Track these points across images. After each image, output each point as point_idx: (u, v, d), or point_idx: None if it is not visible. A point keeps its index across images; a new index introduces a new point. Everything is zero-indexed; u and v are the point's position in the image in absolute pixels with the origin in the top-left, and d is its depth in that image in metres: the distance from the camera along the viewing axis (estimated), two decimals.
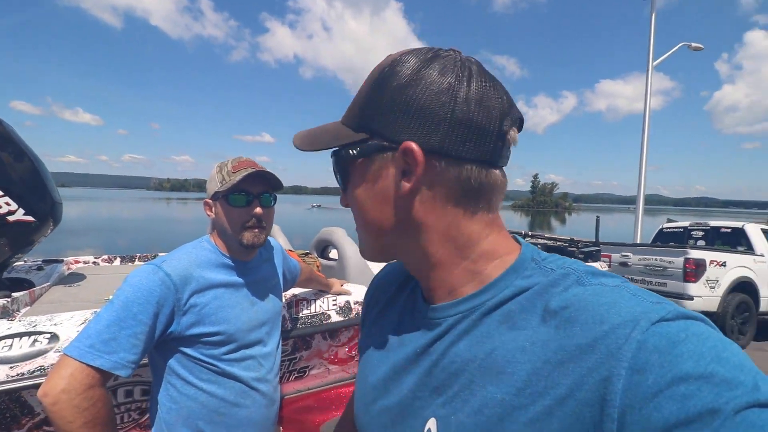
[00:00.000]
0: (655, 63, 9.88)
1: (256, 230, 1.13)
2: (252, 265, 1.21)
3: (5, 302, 1.61)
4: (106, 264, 2.86)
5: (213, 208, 1.15)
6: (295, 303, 1.69)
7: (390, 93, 0.41)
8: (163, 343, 1.03)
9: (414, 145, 0.40)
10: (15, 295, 1.69)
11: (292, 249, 2.53)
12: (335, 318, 1.75)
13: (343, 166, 0.46)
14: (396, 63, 0.42)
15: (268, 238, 1.35)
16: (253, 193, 1.13)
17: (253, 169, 1.12)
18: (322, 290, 1.80)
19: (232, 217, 1.11)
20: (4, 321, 1.27)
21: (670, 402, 0.29)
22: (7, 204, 1.63)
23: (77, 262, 2.75)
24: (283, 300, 1.45)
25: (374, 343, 0.54)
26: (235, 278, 1.15)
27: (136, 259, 3.05)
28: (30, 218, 1.70)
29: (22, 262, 2.40)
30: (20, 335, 1.21)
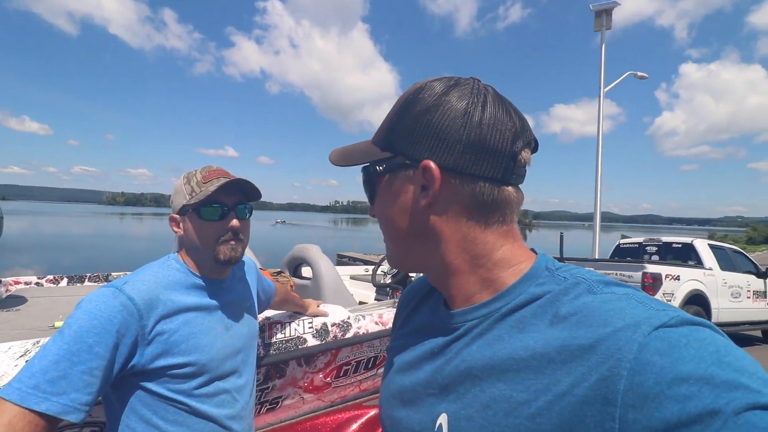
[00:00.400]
0: (605, 89, 10.58)
1: (233, 242, 1.02)
2: (226, 285, 1.09)
3: None
4: (51, 285, 2.59)
5: (181, 224, 1.04)
6: (268, 326, 1.57)
7: (413, 116, 0.46)
8: (121, 379, 0.89)
9: (432, 164, 0.44)
10: None
11: (263, 267, 2.39)
12: (311, 342, 1.64)
13: (371, 181, 0.52)
14: (420, 90, 0.47)
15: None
16: (228, 204, 1.02)
17: (226, 178, 1.02)
18: (298, 312, 1.69)
19: (205, 232, 1.00)
20: None
21: (671, 402, 0.29)
22: None
23: (17, 282, 2.47)
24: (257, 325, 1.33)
25: (401, 342, 0.57)
26: (207, 300, 1.02)
27: (86, 279, 2.79)
28: None
29: None
30: None
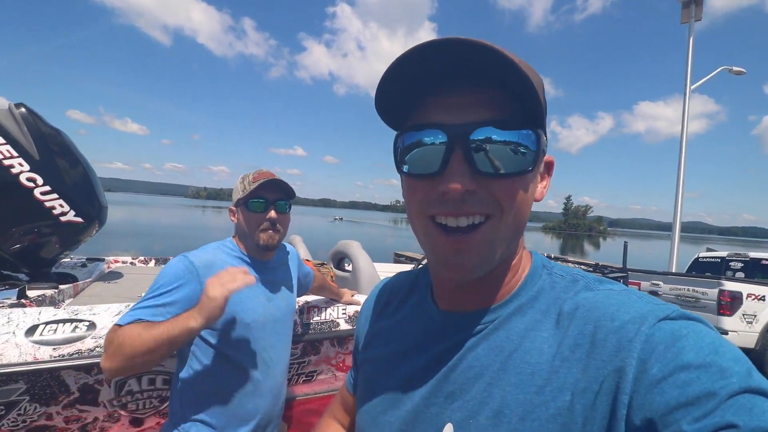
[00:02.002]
0: (693, 86, 9.59)
1: (271, 232, 1.26)
2: (270, 266, 1.34)
3: (53, 293, 1.80)
4: (142, 265, 3.08)
5: (236, 214, 1.30)
6: (307, 309, 1.80)
7: (545, 105, 0.41)
8: None
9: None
10: (62, 287, 1.89)
11: (310, 259, 2.65)
12: (344, 326, 1.84)
13: (537, 150, 0.40)
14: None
15: (286, 245, 1.49)
16: (270, 199, 1.27)
17: (270, 178, 1.27)
18: (333, 299, 1.90)
19: (250, 220, 1.25)
20: (51, 309, 1.44)
21: (672, 388, 0.31)
22: (61, 206, 1.84)
23: (117, 261, 2.98)
24: (296, 305, 1.57)
25: (379, 354, 0.53)
26: (253, 273, 1.24)
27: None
28: (79, 219, 1.91)
29: (69, 259, 2.64)
30: (63, 321, 1.38)
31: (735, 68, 10.08)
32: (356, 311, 1.90)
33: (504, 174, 0.39)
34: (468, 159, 0.38)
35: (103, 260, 2.79)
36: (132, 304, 1.50)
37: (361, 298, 2.01)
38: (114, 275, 2.52)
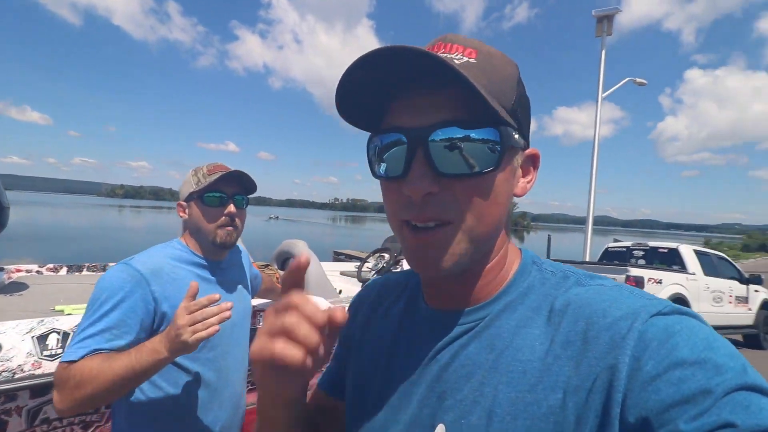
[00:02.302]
0: (603, 95, 10.71)
1: (229, 228, 1.17)
2: (222, 266, 1.24)
3: None
4: (51, 273, 2.72)
5: (187, 210, 1.19)
6: (253, 314, 1.71)
7: (523, 94, 0.42)
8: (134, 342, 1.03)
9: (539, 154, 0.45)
10: None
11: (253, 260, 2.53)
12: None
13: (500, 146, 0.39)
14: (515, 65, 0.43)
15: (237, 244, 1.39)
16: (227, 193, 1.18)
17: (227, 171, 1.19)
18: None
19: (206, 215, 1.16)
20: None
21: (667, 385, 0.31)
22: None
23: (18, 270, 2.60)
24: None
25: (371, 357, 0.52)
26: (207, 275, 1.18)
27: (85, 269, 2.92)
28: None
29: None
30: None
31: (638, 79, 11.43)
32: None
33: (466, 174, 0.38)
34: (428, 161, 0.38)
35: (1, 270, 2.42)
36: (45, 321, 1.33)
37: (313, 299, 1.95)
38: (17, 286, 2.19)
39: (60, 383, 0.87)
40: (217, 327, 0.92)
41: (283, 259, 2.64)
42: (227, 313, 0.94)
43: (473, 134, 0.38)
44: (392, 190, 0.42)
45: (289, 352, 0.34)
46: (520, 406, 0.37)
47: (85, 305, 1.83)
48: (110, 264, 3.01)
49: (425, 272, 0.43)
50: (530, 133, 0.45)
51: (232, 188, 1.19)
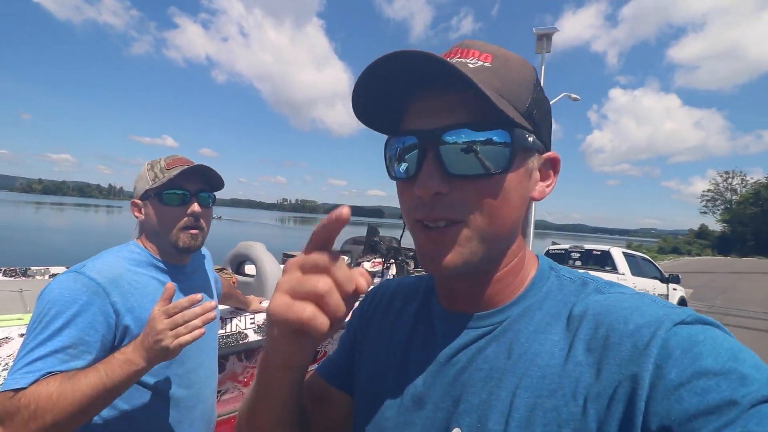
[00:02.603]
0: None
1: (194, 231, 1.04)
2: (186, 271, 1.11)
3: None
4: None
5: (143, 209, 1.05)
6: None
7: (544, 98, 0.43)
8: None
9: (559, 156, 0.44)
10: None
11: None
12: (253, 337, 1.68)
13: (505, 149, 0.39)
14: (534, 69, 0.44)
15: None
16: (190, 191, 1.04)
17: (189, 165, 1.05)
18: (239, 308, 1.72)
19: (166, 216, 1.02)
20: None
21: (691, 395, 0.30)
22: None
23: None
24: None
25: (383, 358, 0.51)
26: (170, 280, 1.03)
27: (1, 273, 2.55)
28: None
29: None
30: None
31: (573, 95, 12.36)
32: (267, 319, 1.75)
33: (476, 175, 0.39)
34: (438, 162, 0.39)
35: None
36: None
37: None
38: None
39: (6, 416, 0.72)
40: (202, 330, 0.83)
41: (239, 262, 2.49)
42: (212, 314, 0.85)
43: (483, 136, 0.38)
44: (406, 190, 0.42)
45: (320, 320, 0.33)
46: (539, 412, 0.36)
47: (7, 317, 1.60)
48: (33, 268, 2.66)
49: (435, 270, 0.42)
50: (552, 137, 0.46)
51: (195, 185, 1.06)
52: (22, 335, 1.22)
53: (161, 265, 1.05)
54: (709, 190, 59.52)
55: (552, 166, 0.45)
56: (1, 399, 0.73)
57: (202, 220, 1.07)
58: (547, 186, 0.45)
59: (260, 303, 1.80)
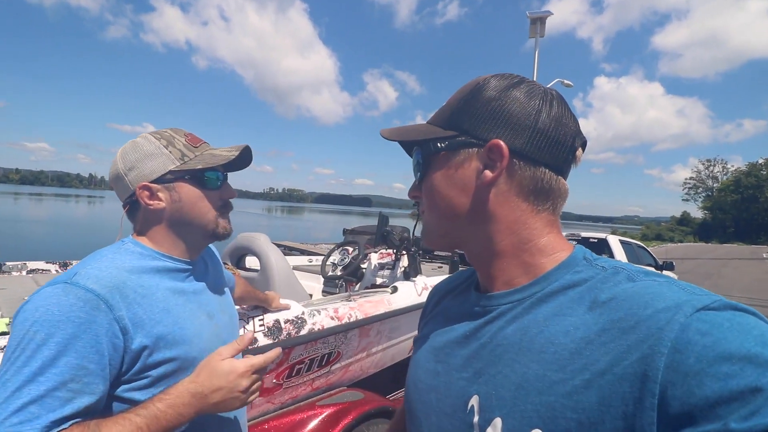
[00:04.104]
0: None
1: (228, 216, 0.93)
2: (198, 269, 0.93)
3: None
4: None
5: (164, 193, 0.84)
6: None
7: (482, 101, 0.48)
8: None
9: (502, 143, 0.46)
10: None
11: None
12: (263, 341, 1.50)
13: (427, 158, 0.52)
14: (489, 80, 0.49)
15: None
16: (222, 172, 0.92)
17: (206, 143, 0.92)
18: (257, 306, 1.54)
19: (206, 201, 0.88)
20: None
21: (712, 380, 0.30)
22: None
23: None
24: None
25: (427, 333, 0.58)
26: (183, 284, 0.87)
27: None
28: None
29: None
30: None
31: (566, 81, 12.26)
32: (276, 321, 1.57)
33: (420, 179, 0.54)
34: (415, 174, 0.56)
35: None
36: None
37: (290, 302, 1.67)
38: None
39: None
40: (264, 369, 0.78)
41: (239, 255, 2.29)
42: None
43: (416, 155, 0.54)
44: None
45: None
46: (547, 383, 0.39)
47: None
48: (8, 264, 2.42)
49: (425, 245, 0.57)
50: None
51: (222, 167, 0.90)
52: None
53: (171, 264, 0.85)
54: (691, 178, 60.91)
55: (493, 153, 0.47)
56: None
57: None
58: (493, 171, 0.47)
59: (281, 300, 1.61)
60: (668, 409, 0.31)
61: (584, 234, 7.63)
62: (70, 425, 0.61)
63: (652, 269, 7.18)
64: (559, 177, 0.48)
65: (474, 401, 0.45)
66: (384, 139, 0.55)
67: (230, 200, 0.93)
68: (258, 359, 0.74)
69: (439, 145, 0.50)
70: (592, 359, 0.37)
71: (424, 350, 0.57)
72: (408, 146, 0.57)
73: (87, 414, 0.65)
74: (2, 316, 1.52)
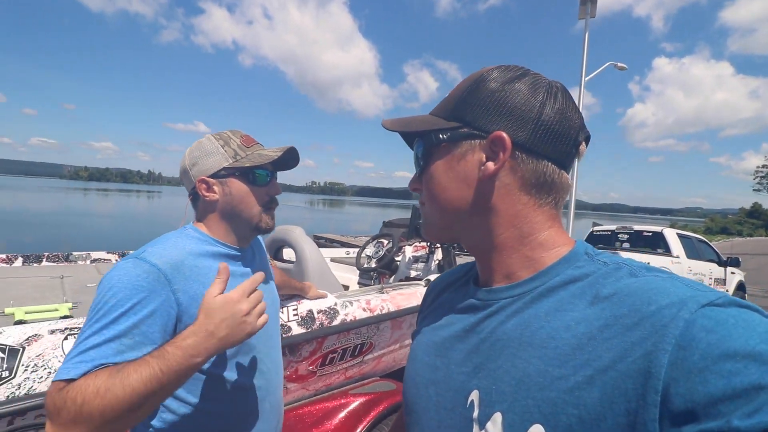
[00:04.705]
0: (586, 78, 10.67)
1: (273, 211, 1.02)
2: (247, 256, 1.04)
3: None
4: (4, 265, 2.37)
5: (218, 187, 0.96)
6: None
7: (485, 93, 0.48)
8: None
9: (505, 135, 0.45)
10: None
11: None
12: (296, 330, 1.55)
13: (428, 149, 0.52)
14: (492, 71, 0.49)
15: None
16: (270, 170, 1.01)
17: (259, 144, 1.02)
18: (295, 295, 1.62)
19: (253, 196, 0.97)
20: None
21: (716, 377, 0.29)
22: None
23: None
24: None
25: (426, 327, 0.58)
26: (234, 267, 0.96)
27: (44, 259, 2.56)
28: None
29: None
30: None
31: (619, 64, 11.46)
32: (309, 311, 1.61)
33: (420, 172, 0.54)
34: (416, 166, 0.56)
35: None
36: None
37: (325, 292, 1.73)
38: None
39: (54, 410, 0.65)
40: (266, 316, 0.80)
41: (277, 247, 2.37)
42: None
43: (418, 147, 0.53)
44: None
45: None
46: (548, 378, 0.39)
47: (44, 307, 1.53)
48: (75, 253, 2.66)
49: (425, 237, 0.59)
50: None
51: (270, 164, 1.00)
52: (52, 332, 1.12)
53: (225, 249, 0.97)
54: (764, 166, 54.93)
55: (496, 146, 0.46)
56: (51, 390, 0.67)
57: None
58: (495, 164, 0.46)
59: (317, 290, 1.69)
60: (671, 406, 0.31)
61: (637, 227, 7.15)
62: (108, 366, 0.71)
63: (715, 265, 6.66)
64: (562, 171, 0.47)
65: (474, 396, 0.45)
66: (385, 129, 0.55)
67: (276, 196, 1.03)
68: (245, 282, 0.76)
69: (441, 136, 0.50)
70: (594, 355, 0.37)
71: (422, 344, 0.56)
72: (409, 138, 0.57)
73: None
74: (66, 301, 1.67)
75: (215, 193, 0.96)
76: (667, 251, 6.26)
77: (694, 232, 8.20)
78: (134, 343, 0.73)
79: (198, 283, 0.86)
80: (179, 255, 0.86)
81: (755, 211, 53.93)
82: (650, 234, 6.80)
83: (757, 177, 54.92)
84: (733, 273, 7.05)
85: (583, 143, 0.49)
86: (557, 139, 0.46)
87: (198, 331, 0.71)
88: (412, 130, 0.53)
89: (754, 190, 54.98)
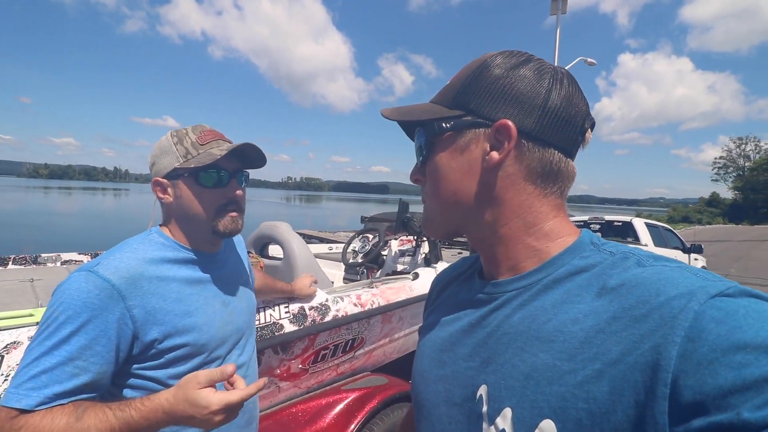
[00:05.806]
0: None
1: (234, 214, 0.92)
2: (218, 258, 0.98)
3: None
4: None
5: (171, 189, 0.89)
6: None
7: (489, 80, 0.46)
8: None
9: (510, 123, 0.44)
10: None
11: None
12: (288, 328, 1.52)
13: (430, 139, 0.50)
14: (496, 57, 0.47)
15: None
16: (228, 170, 0.91)
17: (223, 140, 0.92)
18: (286, 297, 1.56)
19: (204, 199, 0.89)
20: None
21: (726, 369, 0.29)
22: None
23: None
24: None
25: (432, 322, 0.57)
26: (200, 274, 0.91)
27: (10, 262, 2.42)
28: None
29: None
30: None
31: (589, 59, 11.80)
32: (301, 308, 1.59)
33: (421, 162, 0.52)
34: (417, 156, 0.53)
35: None
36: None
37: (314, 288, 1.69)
38: None
39: None
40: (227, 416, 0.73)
41: (262, 244, 2.32)
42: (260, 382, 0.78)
43: (419, 136, 0.51)
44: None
45: None
46: (557, 373, 0.38)
47: (17, 313, 1.44)
48: (42, 255, 2.52)
49: (426, 233, 0.58)
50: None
51: (233, 163, 0.92)
52: (31, 339, 1.06)
53: (190, 254, 0.91)
54: (721, 157, 58.20)
55: (501, 134, 0.45)
56: (1, 416, 0.65)
57: (241, 203, 0.95)
58: (500, 153, 0.45)
59: (310, 286, 1.61)
60: (680, 399, 0.30)
61: (608, 217, 7.44)
62: (68, 402, 0.69)
63: (679, 252, 6.99)
64: (568, 159, 0.46)
65: (483, 391, 0.44)
66: (385, 118, 0.52)
67: (238, 198, 0.93)
68: (234, 396, 0.70)
69: (444, 125, 0.48)
70: (603, 349, 0.36)
71: (429, 340, 0.55)
72: (410, 127, 0.55)
73: (91, 389, 0.73)
74: (40, 306, 1.58)
75: (169, 195, 0.90)
76: (636, 240, 6.54)
77: (659, 220, 8.64)
78: (88, 365, 0.71)
79: (157, 296, 0.81)
80: (137, 266, 0.80)
81: (713, 200, 57.02)
82: (620, 224, 7.10)
83: (715, 168, 58.19)
84: (696, 259, 7.44)
85: (589, 130, 0.48)
86: (564, 127, 0.45)
87: (168, 410, 0.69)
88: (413, 119, 0.50)
89: (712, 180, 58.26)
